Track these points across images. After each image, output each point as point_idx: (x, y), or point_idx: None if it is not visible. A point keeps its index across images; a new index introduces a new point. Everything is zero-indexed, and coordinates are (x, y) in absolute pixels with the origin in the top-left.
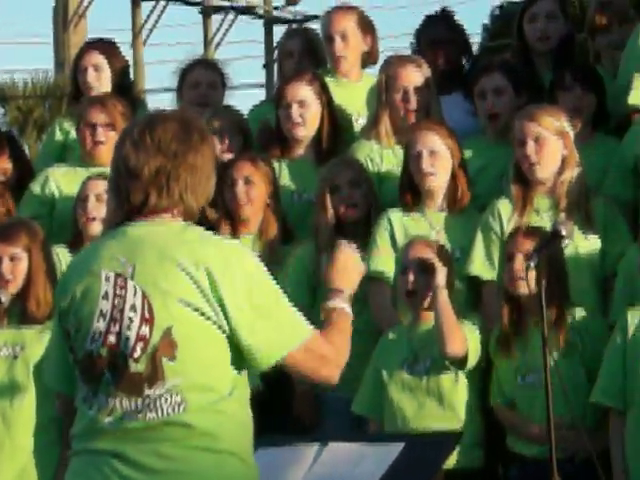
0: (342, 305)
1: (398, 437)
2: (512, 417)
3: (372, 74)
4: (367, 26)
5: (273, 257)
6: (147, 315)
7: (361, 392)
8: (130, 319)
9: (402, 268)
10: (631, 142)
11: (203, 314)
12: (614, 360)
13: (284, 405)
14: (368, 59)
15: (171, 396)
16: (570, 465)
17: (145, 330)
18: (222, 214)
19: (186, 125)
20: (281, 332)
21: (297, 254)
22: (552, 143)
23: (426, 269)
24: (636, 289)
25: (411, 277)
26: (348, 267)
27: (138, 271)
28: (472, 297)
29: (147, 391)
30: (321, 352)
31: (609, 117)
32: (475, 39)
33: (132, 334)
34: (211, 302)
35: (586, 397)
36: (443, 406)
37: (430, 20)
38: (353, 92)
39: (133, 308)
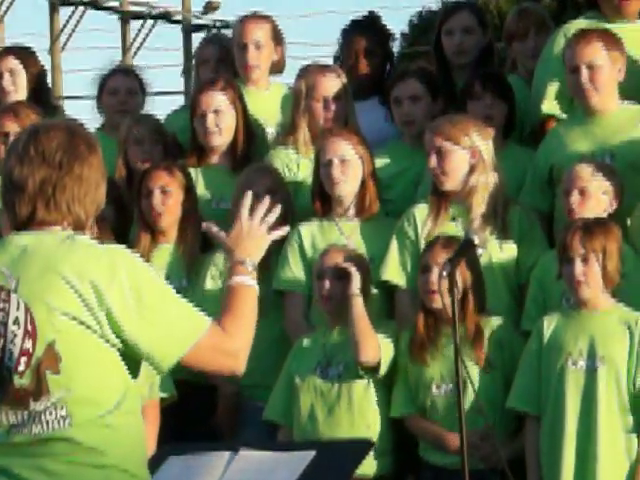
0: (241, 279)
1: (310, 445)
2: (427, 426)
3: (280, 83)
4: (278, 36)
5: (192, 266)
6: (30, 329)
7: (273, 398)
8: (13, 333)
9: (318, 275)
10: (545, 152)
11: (88, 327)
12: (529, 366)
13: (204, 414)
14: (274, 68)
15: (56, 409)
16: (483, 474)
17: (28, 344)
18: (140, 224)
19: (71, 134)
20: (176, 331)
21: (214, 261)
22: (455, 154)
23: (341, 276)
24: (550, 296)
25: (327, 284)
26: (249, 235)
27: (22, 284)
28: (387, 303)
29: (33, 405)
30: (221, 346)
31: (521, 126)
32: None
33: (16, 348)
34: (96, 315)
35: (502, 405)
36: (354, 412)
37: (355, 26)
38: (261, 101)
39: (16, 322)
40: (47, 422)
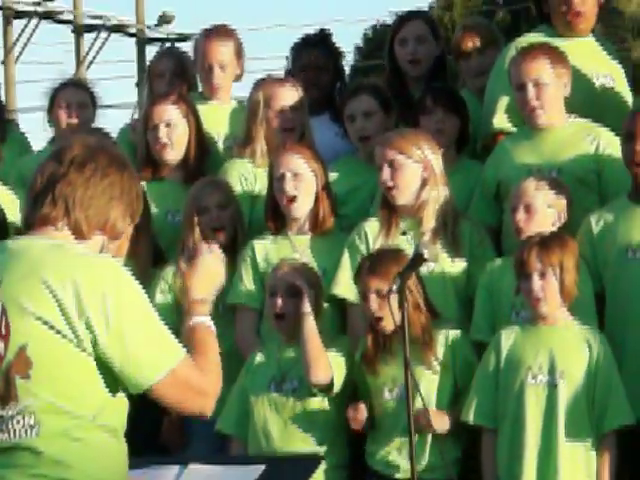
0: (202, 319)
1: (259, 459)
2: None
3: (234, 95)
4: (241, 51)
5: (144, 279)
6: (3, 331)
7: (226, 410)
8: None
9: (270, 291)
10: (492, 166)
11: (64, 336)
12: (486, 380)
13: (153, 428)
14: (235, 79)
15: (24, 417)
16: None
17: (0, 346)
18: None
19: (99, 148)
20: (152, 354)
21: (164, 276)
22: (408, 168)
23: (294, 293)
24: (500, 306)
25: (279, 301)
26: (208, 273)
27: (3, 286)
28: (340, 318)
29: (0, 411)
30: (194, 381)
31: (474, 140)
32: (347, 59)
33: None
34: (74, 324)
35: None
36: (309, 427)
37: (306, 43)
38: (217, 113)
39: None
40: (14, 430)
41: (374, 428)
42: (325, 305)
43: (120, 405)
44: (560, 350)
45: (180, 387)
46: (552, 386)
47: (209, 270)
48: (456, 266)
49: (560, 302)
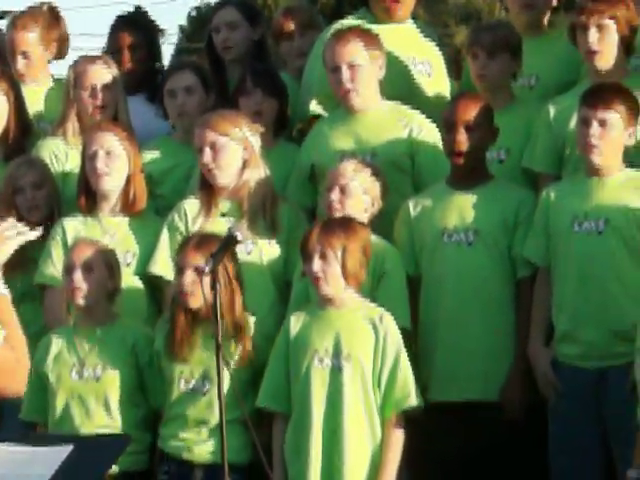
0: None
1: (67, 439)
2: None
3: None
4: (52, 32)
5: None
6: None
7: (26, 398)
8: None
9: (67, 269)
10: (307, 149)
11: None
12: (277, 364)
13: None
14: (56, 55)
15: None
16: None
17: None
18: None
19: None
20: None
21: None
22: (229, 149)
23: (90, 269)
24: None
25: (77, 275)
26: None
27: None
28: (155, 298)
29: None
30: (7, 358)
31: (292, 123)
32: (172, 40)
33: None
34: None
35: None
36: (110, 412)
37: (122, 21)
38: (34, 94)
39: None
40: None
41: (169, 412)
42: (141, 285)
43: None
44: (346, 333)
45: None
46: (337, 369)
47: None
48: (273, 250)
49: (343, 285)
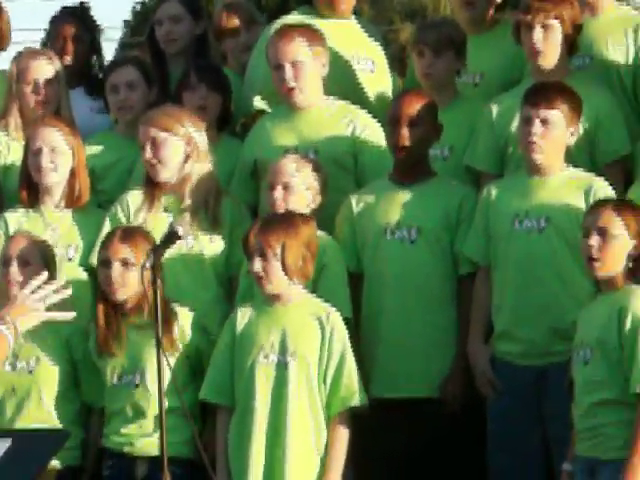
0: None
1: (5, 434)
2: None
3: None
4: None
5: None
6: None
7: None
8: None
9: (4, 261)
10: (250, 145)
11: None
12: (222, 357)
13: None
14: None
15: None
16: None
17: None
18: None
19: None
20: None
21: None
22: (170, 144)
23: (27, 262)
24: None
25: (14, 268)
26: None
27: None
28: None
29: None
30: None
31: (235, 119)
32: (116, 34)
33: None
34: None
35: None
36: (43, 406)
37: (64, 13)
38: None
39: None
40: None
41: (108, 409)
42: (85, 277)
43: None
44: (292, 329)
45: None
46: (282, 365)
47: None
48: (216, 244)
49: (287, 281)
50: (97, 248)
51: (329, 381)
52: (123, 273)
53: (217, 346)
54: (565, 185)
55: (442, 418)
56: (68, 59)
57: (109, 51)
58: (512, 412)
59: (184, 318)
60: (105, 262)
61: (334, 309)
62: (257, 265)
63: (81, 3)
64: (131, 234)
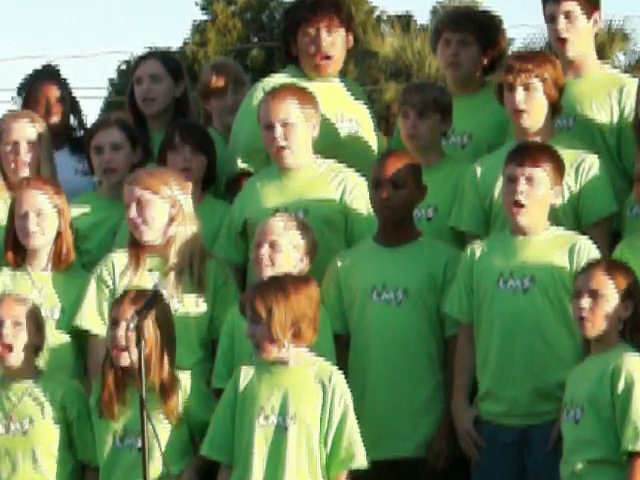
0: None
1: None
2: None
3: None
4: None
5: None
6: None
7: None
8: None
9: None
10: (240, 204)
11: None
12: (223, 414)
13: None
14: None
15: None
16: None
17: None
18: None
19: None
20: None
21: None
22: (155, 205)
23: (19, 324)
24: (240, 351)
25: (6, 330)
26: None
27: None
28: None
29: None
30: None
31: (219, 179)
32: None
33: None
34: None
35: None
36: (38, 467)
37: (41, 74)
38: None
39: None
40: None
41: (104, 470)
42: (67, 339)
43: None
44: (294, 392)
45: None
46: (282, 428)
47: None
48: (200, 307)
49: (276, 348)
50: (84, 309)
51: (329, 443)
52: (132, 336)
53: (220, 403)
54: (549, 244)
55: (429, 476)
56: (55, 119)
57: (94, 109)
58: (495, 472)
59: (187, 384)
60: (114, 322)
61: (335, 367)
62: (249, 330)
63: (48, 65)
64: (142, 297)
